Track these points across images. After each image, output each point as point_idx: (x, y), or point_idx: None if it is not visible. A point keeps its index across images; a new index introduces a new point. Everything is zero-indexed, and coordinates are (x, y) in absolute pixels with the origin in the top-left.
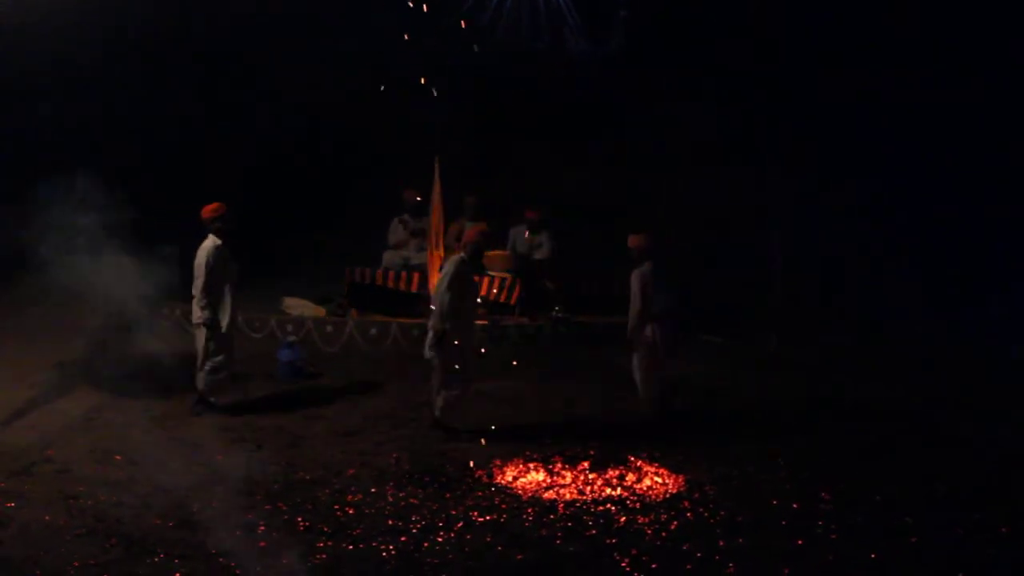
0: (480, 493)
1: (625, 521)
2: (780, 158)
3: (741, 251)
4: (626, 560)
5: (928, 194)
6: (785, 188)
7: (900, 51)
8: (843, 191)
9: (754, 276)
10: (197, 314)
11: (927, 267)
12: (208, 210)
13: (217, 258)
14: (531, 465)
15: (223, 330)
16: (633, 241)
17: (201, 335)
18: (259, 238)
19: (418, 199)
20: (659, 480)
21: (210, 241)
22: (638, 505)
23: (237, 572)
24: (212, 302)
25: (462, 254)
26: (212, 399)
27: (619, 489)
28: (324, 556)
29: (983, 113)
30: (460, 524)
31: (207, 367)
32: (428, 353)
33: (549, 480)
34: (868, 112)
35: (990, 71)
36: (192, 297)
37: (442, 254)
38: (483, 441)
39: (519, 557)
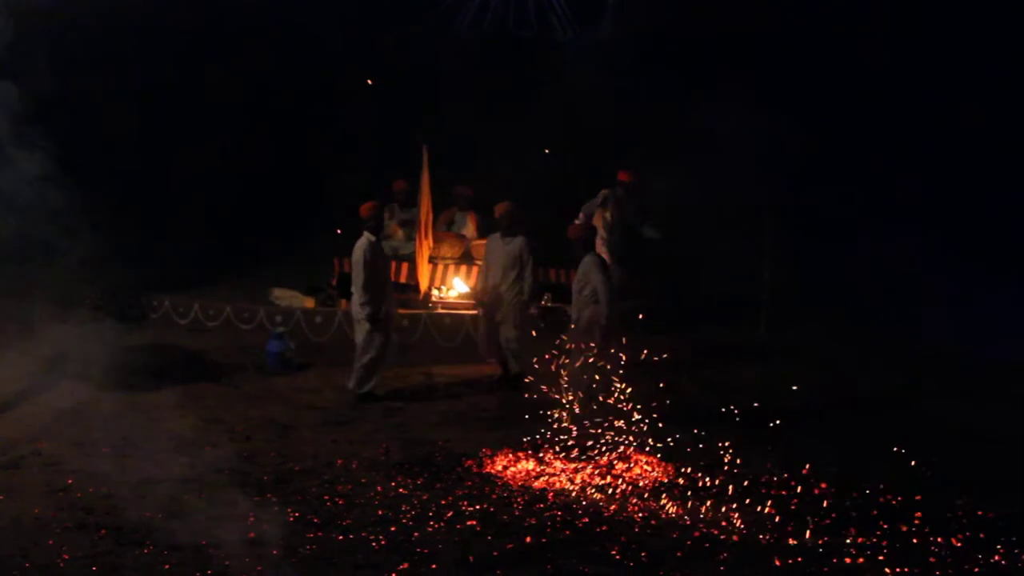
0: (470, 483)
1: (614, 509)
2: (780, 153)
3: (738, 246)
4: (616, 548)
5: (927, 192)
6: (784, 183)
7: (900, 47)
8: (842, 188)
9: (749, 270)
10: (357, 309)
11: (925, 264)
12: (365, 208)
13: (373, 254)
14: (520, 454)
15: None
16: (500, 209)
17: (363, 330)
18: (247, 229)
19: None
20: (648, 468)
21: (364, 239)
22: (628, 493)
23: (227, 563)
24: (373, 297)
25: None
26: (370, 390)
27: (609, 477)
28: (314, 547)
29: (985, 110)
30: (450, 514)
31: (363, 361)
32: None
33: (539, 469)
34: (867, 108)
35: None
36: (351, 294)
37: (431, 243)
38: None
39: (509, 546)
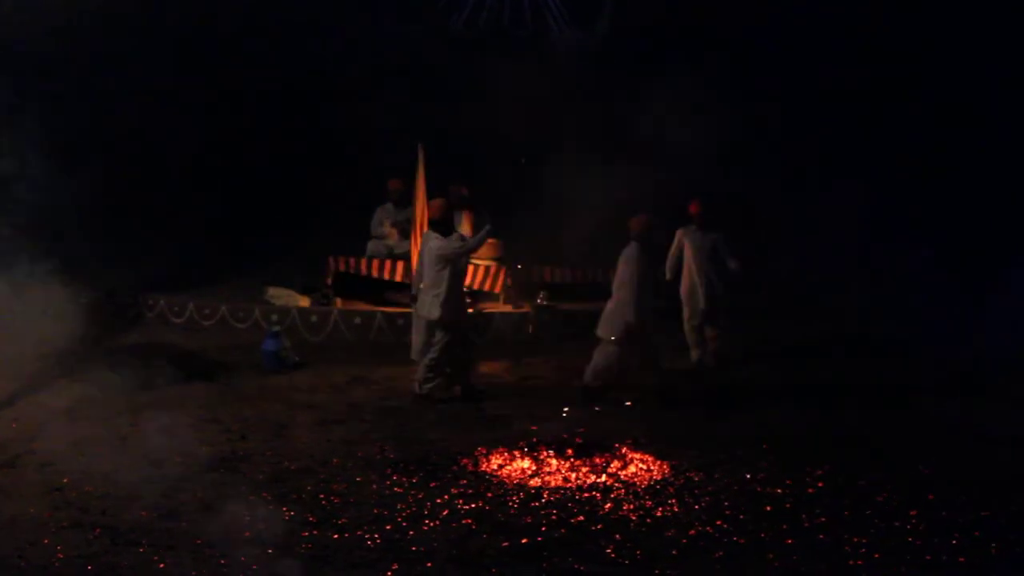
0: (465, 481)
1: (610, 508)
2: (776, 153)
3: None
4: (611, 547)
5: (926, 191)
6: (779, 182)
7: (898, 48)
8: (839, 188)
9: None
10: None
11: (922, 264)
12: (435, 207)
13: None
14: (516, 452)
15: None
16: (435, 207)
17: (441, 332)
18: (243, 228)
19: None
20: (644, 467)
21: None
22: (623, 492)
23: (222, 563)
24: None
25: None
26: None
27: (604, 476)
28: (309, 546)
29: (982, 111)
30: (445, 512)
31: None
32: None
33: (534, 467)
34: (863, 108)
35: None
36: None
37: None
38: None
39: (504, 544)
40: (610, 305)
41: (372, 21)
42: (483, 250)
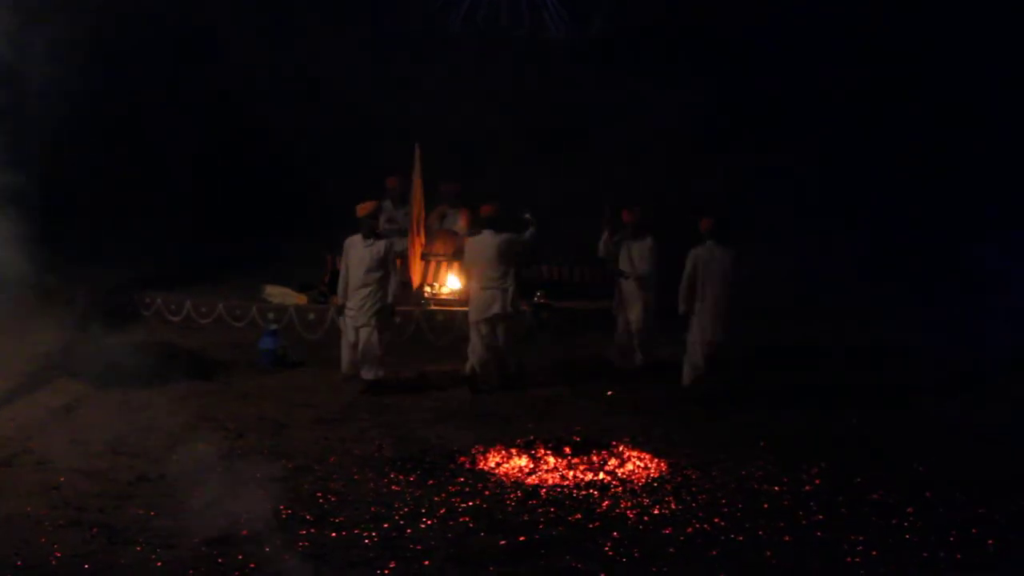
0: (462, 479)
1: (608, 506)
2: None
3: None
4: (608, 544)
5: (920, 193)
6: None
7: (898, 48)
8: (839, 188)
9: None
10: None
11: (915, 264)
12: (486, 208)
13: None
14: (513, 451)
15: None
16: (363, 210)
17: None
18: (243, 228)
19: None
20: (641, 465)
21: (490, 234)
22: (620, 490)
23: (219, 561)
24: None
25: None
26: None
27: (601, 474)
28: (307, 544)
29: (982, 110)
30: (443, 510)
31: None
32: None
33: (532, 465)
34: (863, 108)
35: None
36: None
37: (423, 241)
38: None
39: (502, 542)
40: (715, 308)
41: (372, 21)
42: None
